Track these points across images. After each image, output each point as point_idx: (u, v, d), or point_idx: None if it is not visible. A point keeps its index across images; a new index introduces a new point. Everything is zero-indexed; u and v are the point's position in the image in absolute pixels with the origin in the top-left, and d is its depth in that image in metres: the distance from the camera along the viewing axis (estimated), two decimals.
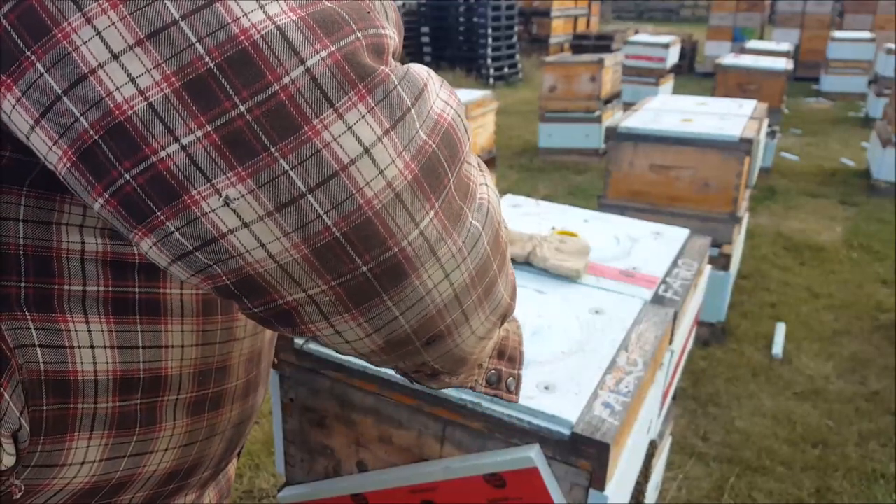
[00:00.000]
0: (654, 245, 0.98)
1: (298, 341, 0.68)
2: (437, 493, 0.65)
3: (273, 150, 0.25)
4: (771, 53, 4.34)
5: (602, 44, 7.11)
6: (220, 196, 0.26)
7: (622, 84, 4.50)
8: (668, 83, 5.40)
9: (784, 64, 3.74)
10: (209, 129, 0.25)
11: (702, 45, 8.16)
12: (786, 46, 4.69)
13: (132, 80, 0.25)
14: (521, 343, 0.47)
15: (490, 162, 2.76)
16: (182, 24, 0.25)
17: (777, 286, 2.53)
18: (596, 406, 0.60)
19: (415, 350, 0.34)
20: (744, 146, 1.88)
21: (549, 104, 4.07)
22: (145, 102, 0.25)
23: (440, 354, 0.35)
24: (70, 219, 0.34)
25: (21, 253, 0.33)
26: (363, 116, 0.26)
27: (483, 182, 0.34)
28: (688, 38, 7.96)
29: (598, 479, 0.57)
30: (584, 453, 0.57)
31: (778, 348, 2.08)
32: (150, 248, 0.28)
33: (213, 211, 0.26)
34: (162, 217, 0.26)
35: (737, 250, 2.19)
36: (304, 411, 0.73)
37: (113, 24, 0.24)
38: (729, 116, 2.17)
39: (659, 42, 5.29)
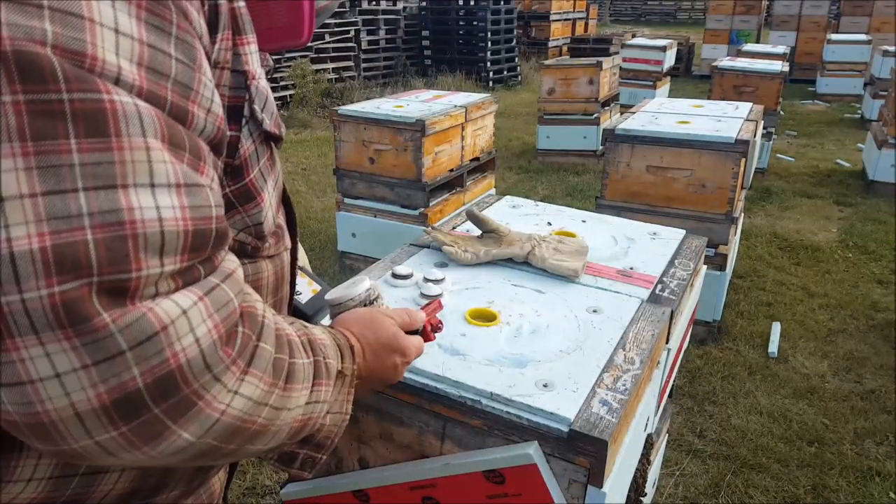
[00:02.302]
0: (651, 245, 0.99)
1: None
2: (438, 489, 0.66)
3: None
4: (767, 56, 4.36)
5: (600, 47, 7.13)
6: None
7: (620, 86, 4.52)
8: (665, 86, 5.42)
9: (780, 66, 3.77)
10: None
11: (698, 48, 8.18)
12: (782, 49, 4.72)
13: None
14: (338, 434, 0.49)
15: (489, 164, 2.77)
16: None
17: (773, 286, 2.55)
18: (594, 404, 0.61)
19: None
20: (739, 148, 1.90)
21: (548, 106, 4.08)
22: None
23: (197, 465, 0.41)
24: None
25: None
26: (64, 351, 0.30)
27: (231, 391, 0.37)
28: (685, 40, 7.99)
29: (596, 476, 0.58)
30: (583, 450, 0.58)
31: (774, 347, 2.10)
32: None
33: None
34: None
35: (732, 250, 2.20)
36: None
37: None
38: (725, 118, 2.19)
39: (656, 45, 5.31)
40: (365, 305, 0.58)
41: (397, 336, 0.54)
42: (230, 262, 0.38)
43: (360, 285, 0.59)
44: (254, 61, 0.43)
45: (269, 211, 0.48)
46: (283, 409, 0.40)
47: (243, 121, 0.43)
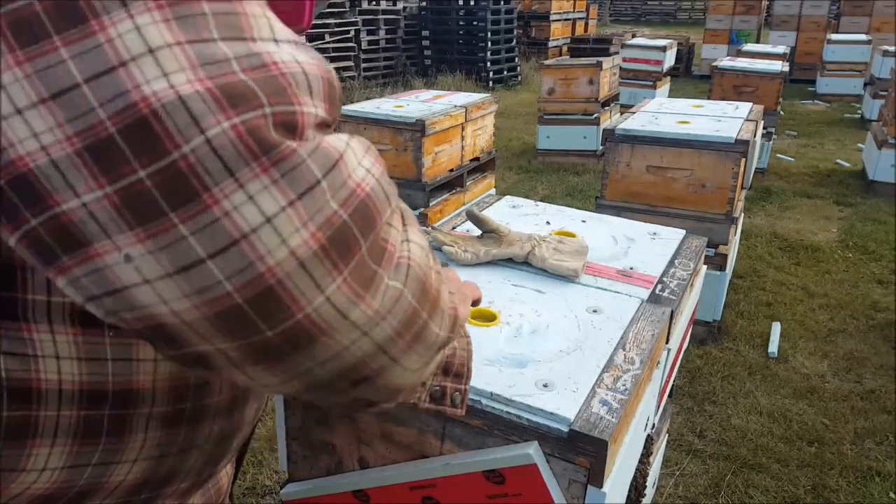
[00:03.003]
0: (651, 245, 0.99)
1: None
2: (438, 489, 0.66)
3: (172, 216, 0.26)
4: (767, 56, 4.36)
5: (600, 47, 7.14)
6: (121, 253, 0.27)
7: (620, 87, 4.52)
8: (665, 86, 5.42)
9: (780, 66, 3.77)
10: (109, 190, 0.26)
11: (698, 48, 8.18)
12: (782, 49, 4.72)
13: (35, 135, 0.26)
14: (469, 359, 0.46)
15: (489, 163, 2.77)
16: (84, 87, 0.26)
17: (772, 286, 2.55)
18: (594, 404, 0.61)
19: (342, 390, 0.34)
20: (739, 148, 1.90)
21: (548, 106, 4.09)
22: (47, 158, 0.26)
23: (372, 390, 0.36)
24: None
25: None
26: (266, 187, 0.27)
27: (406, 240, 0.34)
28: (685, 40, 7.99)
29: (596, 476, 0.58)
30: (583, 450, 0.58)
31: (774, 347, 2.10)
32: (65, 286, 0.28)
33: (115, 265, 0.27)
34: (68, 263, 0.27)
35: (732, 250, 2.20)
36: (306, 408, 0.74)
37: (18, 80, 0.26)
38: (725, 118, 2.19)
39: (656, 45, 5.31)
40: None
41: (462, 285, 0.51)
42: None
43: None
44: None
45: None
46: (441, 280, 0.37)
47: None
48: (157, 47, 0.26)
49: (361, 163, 0.31)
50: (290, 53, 0.30)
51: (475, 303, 0.56)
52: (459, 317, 0.41)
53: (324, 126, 0.31)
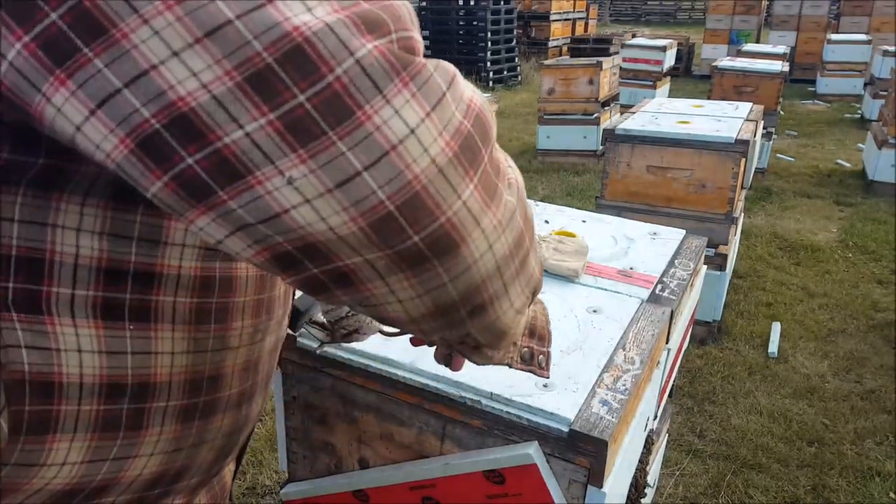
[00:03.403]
0: (651, 245, 0.99)
1: (311, 344, 0.69)
2: (438, 489, 0.66)
3: (331, 133, 0.28)
4: (767, 56, 4.36)
5: (600, 47, 7.13)
6: (284, 176, 0.28)
7: (620, 87, 4.52)
8: (665, 86, 5.42)
9: (780, 66, 3.77)
10: (272, 117, 0.27)
11: (698, 48, 8.18)
12: (782, 49, 4.72)
13: (194, 74, 0.26)
14: (548, 322, 0.49)
15: None
16: (237, 23, 0.26)
17: (773, 286, 2.55)
18: (594, 404, 0.61)
19: (460, 319, 0.36)
20: (739, 148, 1.90)
21: (548, 106, 4.08)
22: (208, 95, 0.27)
23: (483, 326, 0.37)
24: (67, 220, 0.34)
25: (13, 254, 0.34)
26: (408, 101, 0.29)
27: (509, 165, 0.37)
28: (685, 40, 7.99)
29: (596, 476, 0.58)
30: (583, 450, 0.58)
31: (774, 347, 2.10)
32: (208, 223, 0.29)
33: (276, 189, 0.28)
34: (224, 196, 0.28)
35: (732, 250, 2.20)
36: (306, 409, 0.74)
37: (170, 24, 0.26)
38: (725, 118, 2.19)
39: (656, 45, 5.31)
40: None
41: None
42: None
43: None
44: None
45: None
46: (531, 220, 0.38)
47: None
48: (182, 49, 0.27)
49: (467, 84, 0.33)
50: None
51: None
52: (539, 280, 0.42)
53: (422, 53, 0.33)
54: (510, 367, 0.48)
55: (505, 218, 0.34)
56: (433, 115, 0.29)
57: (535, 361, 0.49)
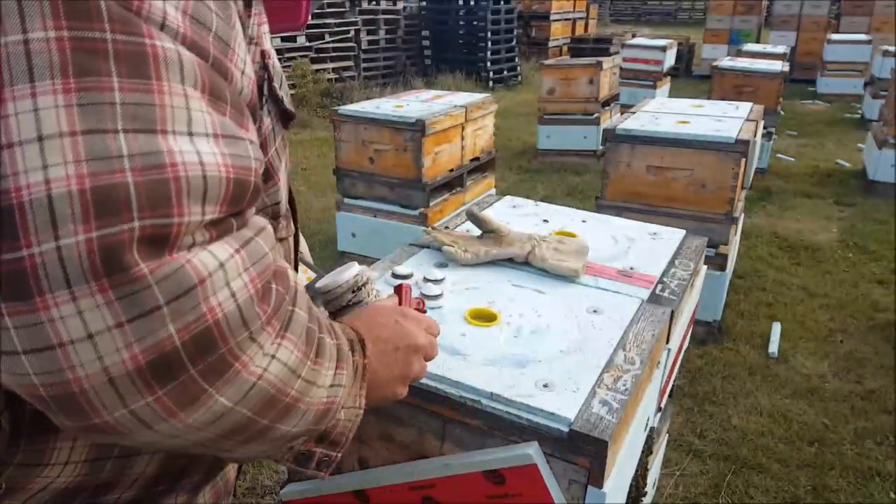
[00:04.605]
0: (651, 245, 0.99)
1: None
2: (438, 489, 0.66)
3: (2, 305, 0.28)
4: (767, 56, 4.36)
5: (600, 47, 7.13)
6: None
7: (620, 86, 4.52)
8: (666, 86, 5.42)
9: (780, 66, 3.76)
10: None
11: (699, 48, 8.17)
12: (782, 49, 4.72)
13: None
14: (351, 430, 0.46)
15: (489, 163, 2.77)
16: None
17: (773, 286, 2.54)
18: (594, 404, 0.61)
19: (178, 454, 0.37)
20: (740, 148, 1.90)
21: (548, 106, 4.08)
22: None
23: (215, 455, 0.38)
24: None
25: None
26: (98, 306, 0.28)
27: (268, 354, 0.35)
28: (685, 40, 7.98)
29: (596, 476, 0.58)
30: (583, 450, 0.58)
31: (774, 347, 2.10)
32: None
33: None
34: None
35: (733, 250, 2.20)
36: None
37: None
38: (725, 118, 2.19)
39: (656, 45, 5.31)
40: (354, 292, 0.57)
41: (401, 325, 0.52)
42: (260, 218, 0.37)
43: (348, 271, 0.58)
44: (268, 40, 0.43)
45: (284, 191, 0.48)
46: (314, 384, 0.38)
47: (263, 99, 0.43)
48: (48, 135, 0.27)
49: (231, 283, 0.32)
50: (197, 152, 0.31)
51: (426, 355, 0.55)
52: (339, 405, 0.42)
53: (224, 221, 0.32)
54: (278, 462, 0.45)
55: (202, 421, 0.33)
56: (127, 326, 0.29)
57: (311, 463, 0.46)
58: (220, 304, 0.31)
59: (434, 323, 0.56)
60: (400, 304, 0.57)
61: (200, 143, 0.31)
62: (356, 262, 0.60)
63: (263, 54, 0.42)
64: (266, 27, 0.43)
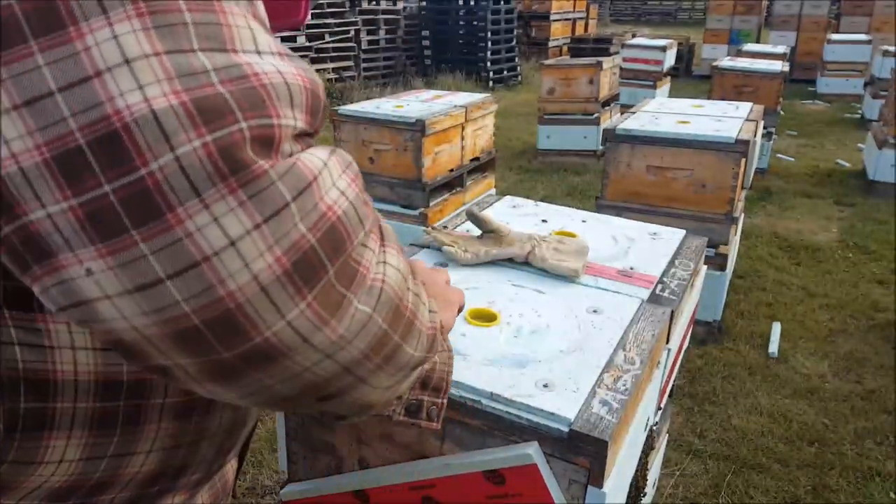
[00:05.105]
0: (651, 245, 0.99)
1: None
2: (437, 489, 0.66)
3: (134, 233, 0.26)
4: (767, 56, 4.36)
5: (600, 47, 7.13)
6: (82, 266, 0.26)
7: (620, 86, 4.52)
8: (666, 86, 5.42)
9: (780, 66, 3.76)
10: (74, 202, 0.26)
11: (699, 48, 8.18)
12: (782, 49, 4.72)
13: (6, 142, 0.25)
14: (449, 372, 0.45)
15: (489, 163, 2.77)
16: (58, 96, 0.25)
17: (773, 286, 2.55)
18: (594, 404, 0.61)
19: (307, 404, 0.34)
20: (740, 148, 1.90)
21: (548, 106, 4.08)
22: (16, 166, 0.26)
23: (340, 405, 0.36)
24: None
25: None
26: (232, 209, 0.27)
27: (382, 261, 0.34)
28: (685, 40, 7.99)
29: (596, 476, 0.58)
30: (583, 450, 0.58)
31: (774, 347, 2.10)
32: (40, 293, 0.28)
33: (79, 278, 0.27)
34: (38, 272, 0.27)
35: (733, 250, 2.20)
36: None
37: None
38: (725, 118, 2.19)
39: (656, 45, 5.31)
40: None
41: (447, 286, 0.53)
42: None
43: None
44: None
45: None
46: (420, 300, 0.37)
47: None
48: (133, 58, 0.26)
49: (336, 184, 0.31)
50: (273, 64, 0.30)
51: (459, 309, 0.56)
52: (439, 334, 0.40)
53: (304, 137, 0.31)
54: (391, 418, 0.45)
55: (350, 332, 0.31)
56: (264, 227, 0.27)
57: (422, 413, 0.45)
58: (335, 202, 0.30)
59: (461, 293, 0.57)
60: None
61: (269, 59, 0.30)
62: None
63: None
64: (267, 24, 0.43)
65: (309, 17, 0.48)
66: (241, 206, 0.27)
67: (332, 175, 0.31)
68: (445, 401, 0.46)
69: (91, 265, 0.26)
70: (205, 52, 0.28)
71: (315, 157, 0.30)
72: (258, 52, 0.30)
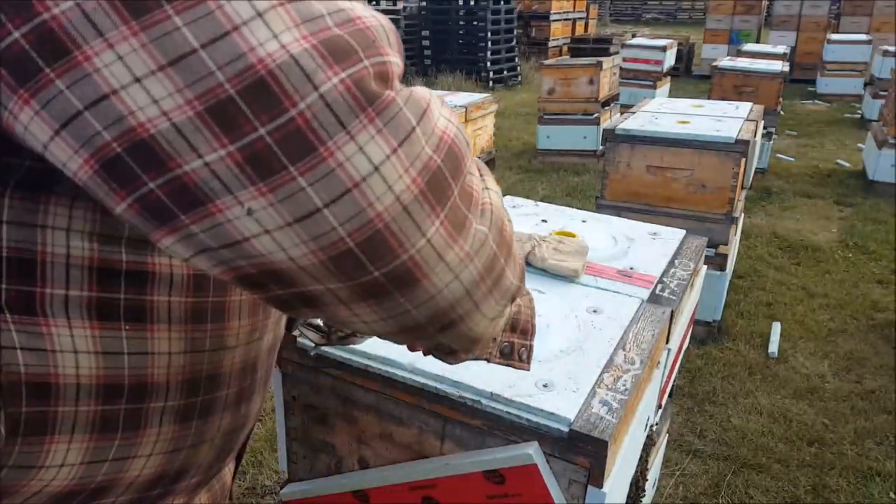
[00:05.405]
0: (651, 245, 0.99)
1: (308, 344, 0.69)
2: (438, 489, 0.66)
3: (292, 169, 0.28)
4: (767, 56, 4.36)
5: (600, 47, 7.13)
6: (243, 207, 0.28)
7: (620, 86, 4.52)
8: (665, 86, 5.42)
9: (780, 66, 3.77)
10: (231, 149, 0.27)
11: (699, 48, 8.18)
12: (782, 49, 4.72)
13: (155, 101, 0.26)
14: (532, 315, 0.48)
15: (489, 163, 2.77)
16: (202, 52, 0.26)
17: (773, 286, 2.55)
18: (594, 404, 0.61)
19: (430, 334, 0.36)
20: (740, 148, 1.90)
21: (548, 106, 4.08)
22: (168, 123, 0.27)
23: (455, 337, 0.38)
24: (56, 221, 0.34)
25: (4, 255, 0.33)
26: (373, 137, 0.28)
27: (485, 187, 0.36)
28: (685, 40, 7.99)
29: (596, 476, 0.58)
30: (583, 450, 0.58)
31: (774, 347, 2.10)
32: (173, 243, 0.29)
33: (237, 218, 0.28)
34: (186, 221, 0.28)
35: (733, 250, 2.20)
36: (306, 409, 0.74)
37: (134, 50, 0.26)
38: (725, 118, 2.19)
39: (656, 45, 5.31)
40: None
41: None
42: None
43: None
44: None
45: None
46: (511, 225, 0.39)
47: None
48: (263, 10, 0.27)
49: (442, 112, 0.33)
50: (364, 9, 0.32)
51: None
52: (522, 278, 0.42)
53: (401, 76, 0.33)
54: (488, 361, 0.47)
55: (473, 248, 0.34)
56: (400, 151, 0.29)
57: (514, 355, 0.48)
58: (447, 128, 0.32)
59: None
60: None
61: (357, 4, 0.32)
62: None
63: None
64: None
65: None
66: (379, 133, 0.29)
67: (436, 105, 0.33)
68: (533, 342, 0.48)
69: (252, 204, 0.28)
70: None
71: (421, 89, 0.32)
72: None
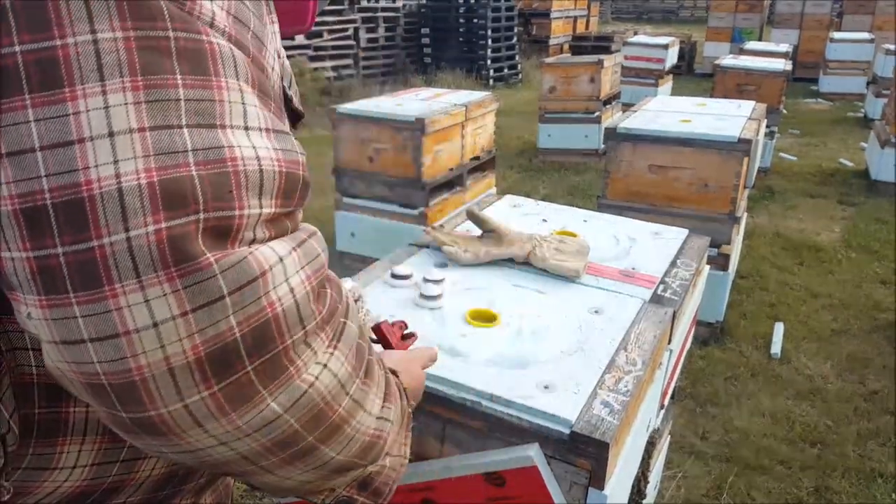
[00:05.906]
0: (652, 245, 0.99)
1: None
2: (437, 491, 0.65)
3: (72, 295, 0.29)
4: (770, 54, 4.34)
5: (601, 45, 7.13)
6: (27, 309, 0.30)
7: (621, 85, 4.50)
8: (667, 84, 5.41)
9: (783, 65, 3.75)
10: (30, 255, 0.28)
11: (701, 46, 8.16)
12: (784, 47, 4.70)
13: None
14: (395, 480, 0.45)
15: (490, 162, 2.76)
16: (38, 154, 0.27)
17: (775, 286, 2.54)
18: (595, 405, 0.60)
19: (217, 474, 0.37)
20: (742, 147, 1.89)
21: (549, 105, 4.07)
22: None
23: (254, 483, 0.38)
24: None
25: None
26: (164, 295, 0.29)
27: (320, 362, 0.34)
28: (687, 38, 7.98)
29: (597, 478, 0.58)
30: (584, 452, 0.57)
31: (776, 348, 2.09)
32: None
33: (27, 316, 0.30)
34: (12, 297, 0.30)
35: (735, 250, 2.19)
36: None
37: None
38: (727, 117, 2.18)
39: (658, 43, 5.30)
40: None
41: (422, 375, 0.56)
42: (309, 225, 0.37)
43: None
44: (278, 39, 0.43)
45: None
46: (361, 407, 0.37)
47: None
48: (118, 131, 0.28)
49: (289, 280, 0.32)
50: (254, 146, 0.32)
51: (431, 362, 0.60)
52: (386, 441, 0.41)
53: (280, 218, 0.33)
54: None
55: (250, 426, 0.32)
56: (191, 316, 0.29)
57: None
58: (280, 298, 0.32)
59: (435, 352, 0.60)
60: (386, 343, 0.60)
61: (255, 138, 0.32)
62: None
63: (277, 53, 0.42)
64: (277, 27, 0.43)
65: (315, 21, 0.47)
66: (174, 293, 0.29)
67: (286, 271, 0.32)
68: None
69: (32, 311, 0.29)
70: (191, 128, 0.30)
71: (272, 252, 0.32)
72: (246, 128, 0.32)
